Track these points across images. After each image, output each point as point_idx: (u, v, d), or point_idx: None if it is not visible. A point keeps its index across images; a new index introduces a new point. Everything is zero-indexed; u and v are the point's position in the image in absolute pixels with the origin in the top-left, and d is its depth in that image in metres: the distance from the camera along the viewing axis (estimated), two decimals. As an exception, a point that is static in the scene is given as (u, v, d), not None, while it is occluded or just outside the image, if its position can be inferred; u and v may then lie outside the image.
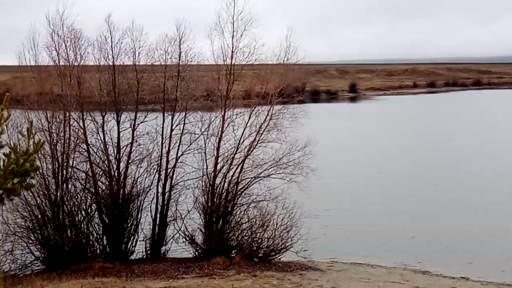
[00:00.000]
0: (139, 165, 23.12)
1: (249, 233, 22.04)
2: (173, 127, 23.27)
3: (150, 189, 23.30)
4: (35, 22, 22.29)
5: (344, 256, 22.78)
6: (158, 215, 23.08)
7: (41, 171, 19.71)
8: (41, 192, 21.10)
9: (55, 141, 21.55)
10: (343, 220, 27.89)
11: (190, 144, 23.41)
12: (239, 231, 22.38)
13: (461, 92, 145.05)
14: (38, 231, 21.49)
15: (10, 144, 16.76)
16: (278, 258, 21.64)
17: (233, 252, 21.91)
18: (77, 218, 22.21)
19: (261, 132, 22.76)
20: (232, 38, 22.86)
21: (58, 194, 21.57)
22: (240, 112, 23.68)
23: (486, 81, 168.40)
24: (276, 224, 21.58)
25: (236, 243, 22.24)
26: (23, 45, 22.47)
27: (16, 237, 21.41)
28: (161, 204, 23.17)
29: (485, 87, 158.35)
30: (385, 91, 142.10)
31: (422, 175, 39.99)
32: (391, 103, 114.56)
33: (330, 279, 18.75)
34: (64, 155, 21.82)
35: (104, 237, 22.60)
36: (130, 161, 22.85)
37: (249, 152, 22.69)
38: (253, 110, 23.42)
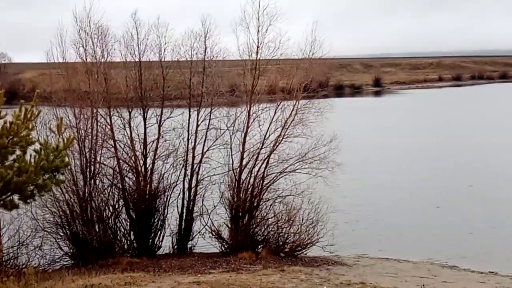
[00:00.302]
0: (166, 161, 23.25)
1: (275, 228, 22.01)
2: (199, 122, 23.35)
3: (176, 185, 23.38)
4: (62, 19, 22.52)
5: (371, 251, 22.77)
6: (184, 211, 23.23)
7: (69, 167, 19.87)
8: (70, 188, 21.25)
9: (83, 137, 21.70)
10: (369, 215, 27.86)
11: (216, 140, 23.44)
12: (265, 226, 22.39)
13: (487, 85, 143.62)
14: (67, 227, 21.63)
15: (41, 141, 16.97)
16: (304, 253, 21.62)
17: (259, 247, 21.93)
18: (104, 214, 22.34)
19: (287, 127, 22.72)
20: (258, 33, 22.82)
21: (86, 190, 21.74)
22: (266, 107, 23.68)
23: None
24: (302, 219, 21.54)
25: (262, 238, 22.27)
26: (51, 42, 22.73)
27: (45, 232, 21.57)
28: (187, 199, 23.29)
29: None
30: (409, 85, 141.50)
31: (450, 171, 39.64)
32: (416, 97, 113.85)
33: (357, 274, 18.72)
34: (92, 151, 21.99)
35: (132, 233, 22.79)
36: (156, 156, 22.94)
37: (275, 147, 22.68)
38: (278, 105, 23.36)
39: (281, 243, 21.68)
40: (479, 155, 45.68)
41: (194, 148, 23.30)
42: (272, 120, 23.02)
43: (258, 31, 22.80)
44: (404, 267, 20.93)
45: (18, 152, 16.50)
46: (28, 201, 17.56)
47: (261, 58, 23.21)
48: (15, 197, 16.64)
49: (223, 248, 22.60)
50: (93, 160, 22.07)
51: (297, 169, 22.55)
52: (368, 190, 32.55)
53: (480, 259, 21.86)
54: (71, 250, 21.79)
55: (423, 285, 14.25)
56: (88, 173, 21.90)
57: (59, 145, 17.35)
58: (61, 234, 21.82)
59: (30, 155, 16.72)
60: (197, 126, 23.33)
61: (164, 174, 23.18)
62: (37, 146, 16.95)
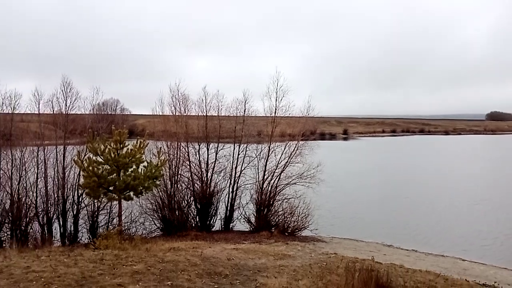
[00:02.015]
0: (219, 175, 23.35)
1: (283, 217, 21.91)
2: (239, 152, 23.52)
3: (224, 189, 23.48)
4: (162, 89, 23.14)
5: (340, 234, 22.47)
6: (229, 205, 23.25)
7: (163, 176, 20.16)
8: (162, 189, 21.51)
9: (171, 158, 22.02)
10: (340, 211, 27.58)
11: (249, 163, 23.61)
12: (277, 216, 22.28)
13: (411, 136, 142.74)
14: (159, 212, 21.91)
15: (147, 160, 17.30)
16: (300, 233, 21.46)
17: (272, 229, 21.76)
18: (182, 205, 22.48)
19: (291, 157, 22.83)
20: (275, 101, 23.19)
21: (172, 190, 21.97)
22: (279, 145, 23.71)
23: (427, 129, 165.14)
24: (299, 212, 21.46)
25: (274, 223, 22.15)
26: (155, 102, 23.32)
27: (146, 214, 21.85)
28: (230, 198, 23.32)
29: (426, 133, 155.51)
30: (365, 134, 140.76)
31: (392, 186, 39.36)
32: (368, 141, 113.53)
33: (331, 248, 18.55)
34: (176, 167, 22.24)
35: (197, 217, 22.85)
36: (213, 172, 23.08)
37: (284, 169, 22.79)
38: (286, 144, 23.48)
39: (286, 226, 21.54)
40: (409, 175, 45.31)
41: (235, 167, 23.40)
42: (282, 152, 23.12)
43: (276, 99, 23.19)
44: (360, 245, 20.69)
45: (134, 166, 16.94)
46: (138, 196, 17.98)
47: (277, 116, 23.42)
48: (131, 193, 17.01)
49: (251, 228, 22.53)
50: (176, 172, 22.28)
51: (297, 182, 22.58)
52: (340, 196, 32.32)
53: (406, 241, 21.51)
54: (161, 226, 21.94)
55: (373, 257, 14.09)
56: (173, 180, 22.11)
57: (158, 163, 17.74)
58: (156, 216, 22.04)
59: (141, 169, 17.14)
60: (238, 154, 23.48)
61: (217, 182, 23.28)
62: (145, 163, 17.39)
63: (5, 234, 19.11)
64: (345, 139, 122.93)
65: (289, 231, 21.42)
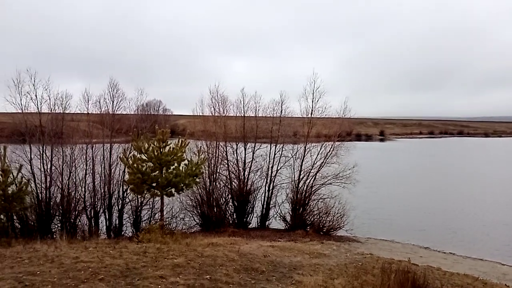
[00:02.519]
0: (255, 173, 23.37)
1: (318, 217, 21.70)
2: (275, 152, 23.48)
3: (261, 188, 23.47)
4: (202, 91, 23.45)
5: (375, 235, 22.05)
6: (265, 203, 23.24)
7: (202, 174, 20.38)
8: (201, 186, 21.72)
9: (210, 157, 22.22)
10: (375, 212, 27.01)
11: (285, 163, 23.50)
12: (312, 215, 22.10)
13: (449, 138, 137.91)
14: (198, 208, 22.14)
15: (188, 158, 17.54)
16: (335, 233, 21.20)
17: (307, 227, 21.66)
18: (220, 202, 22.62)
19: (327, 157, 22.57)
20: (312, 102, 22.96)
21: (210, 187, 22.15)
22: (314, 145, 23.47)
23: (466, 131, 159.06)
24: (334, 212, 21.22)
25: (310, 222, 21.99)
26: (196, 103, 23.65)
27: (186, 210, 22.13)
28: (267, 196, 23.29)
29: (465, 135, 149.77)
30: (401, 135, 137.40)
31: (435, 189, 38.10)
32: (404, 142, 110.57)
33: (366, 248, 18.22)
34: (215, 166, 22.43)
35: (234, 214, 22.93)
36: (250, 170, 23.14)
37: (319, 169, 22.56)
38: (322, 145, 23.23)
39: (321, 226, 21.32)
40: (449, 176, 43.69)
41: (272, 167, 23.36)
42: (318, 153, 22.90)
43: (312, 101, 22.94)
44: (396, 246, 20.19)
45: (175, 164, 17.23)
46: (179, 192, 18.26)
47: (313, 117, 23.22)
48: (172, 190, 17.33)
49: (286, 227, 22.44)
50: (215, 171, 22.46)
51: (332, 183, 22.31)
52: (376, 197, 31.65)
53: (443, 244, 20.79)
54: (200, 222, 22.17)
55: (409, 259, 13.68)
56: (212, 178, 22.28)
57: (198, 161, 17.98)
58: (195, 212, 22.31)
59: (182, 167, 17.44)
60: (274, 154, 23.43)
61: (254, 181, 23.31)
62: (186, 162, 17.67)
63: (56, 226, 19.89)
64: (381, 140, 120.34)
65: (324, 230, 21.19)
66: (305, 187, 22.56)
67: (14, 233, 17.17)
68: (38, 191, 19.43)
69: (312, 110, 23.04)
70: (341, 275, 10.51)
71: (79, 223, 20.35)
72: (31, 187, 18.16)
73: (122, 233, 20.70)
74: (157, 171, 16.76)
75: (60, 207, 19.79)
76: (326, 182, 22.36)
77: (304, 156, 22.93)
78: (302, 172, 22.81)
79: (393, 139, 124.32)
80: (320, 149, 22.99)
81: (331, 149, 22.61)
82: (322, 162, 22.52)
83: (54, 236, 18.62)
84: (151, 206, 21.31)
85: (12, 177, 15.93)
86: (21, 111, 19.55)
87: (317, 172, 22.54)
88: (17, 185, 16.08)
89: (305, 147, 23.06)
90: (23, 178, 16.73)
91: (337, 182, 22.16)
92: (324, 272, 10.74)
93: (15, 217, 18.16)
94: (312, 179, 22.57)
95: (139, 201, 21.07)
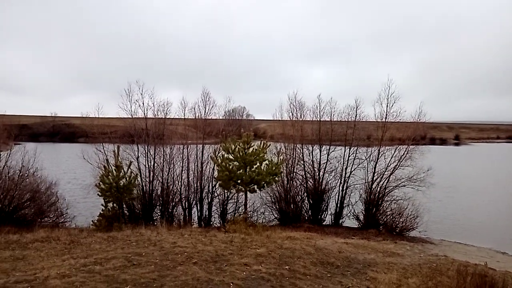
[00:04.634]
0: (330, 174, 22.92)
1: (391, 217, 20.68)
2: (349, 154, 22.87)
3: (335, 187, 22.98)
4: (281, 98, 23.61)
5: (450, 237, 20.47)
6: (339, 202, 22.75)
7: (281, 173, 20.43)
8: (280, 184, 21.77)
9: (288, 158, 22.27)
10: (449, 215, 25.10)
11: (358, 165, 22.74)
12: (385, 215, 21.12)
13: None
14: (277, 204, 22.24)
15: (268, 159, 17.68)
16: (408, 234, 20.09)
17: (380, 227, 20.76)
18: (296, 199, 22.54)
19: (401, 160, 21.45)
20: (386, 107, 21.94)
21: (288, 185, 22.14)
22: (388, 149, 22.48)
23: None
24: (408, 214, 20.11)
25: (383, 222, 21.05)
26: (275, 109, 23.94)
27: (266, 205, 22.32)
28: (340, 196, 22.77)
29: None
30: (478, 140, 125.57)
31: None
32: (480, 146, 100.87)
33: (440, 250, 16.99)
34: (292, 166, 22.44)
35: (310, 211, 22.72)
36: (325, 171, 22.77)
37: (393, 171, 21.49)
38: (396, 148, 22.14)
39: (394, 226, 20.34)
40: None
41: (346, 168, 22.79)
42: (392, 156, 21.88)
43: (387, 105, 21.90)
44: (471, 250, 18.57)
45: (258, 164, 17.61)
46: (261, 189, 18.62)
47: (387, 121, 22.24)
48: (255, 186, 17.72)
49: (359, 225, 21.81)
50: (292, 170, 22.43)
51: (406, 185, 21.16)
52: (452, 200, 29.33)
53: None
54: (278, 216, 22.24)
55: (486, 262, 12.48)
56: (289, 177, 22.27)
57: (277, 162, 18.19)
58: (274, 207, 22.41)
59: (263, 166, 17.75)
60: (348, 156, 22.83)
61: (328, 181, 22.86)
62: (267, 162, 17.96)
63: (157, 214, 21.39)
64: (456, 144, 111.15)
65: (397, 230, 20.15)
66: (378, 189, 21.63)
67: (124, 219, 18.77)
68: (143, 184, 21.00)
69: (386, 115, 22.04)
70: (415, 274, 9.93)
71: (176, 212, 21.53)
72: (137, 180, 19.69)
73: (211, 223, 21.58)
74: (242, 170, 17.28)
75: (161, 198, 21.18)
76: (399, 184, 21.26)
77: (378, 159, 22.03)
78: (375, 174, 21.91)
79: (468, 143, 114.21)
80: (394, 152, 21.92)
81: (405, 152, 21.44)
82: (396, 165, 21.44)
83: (156, 223, 19.92)
84: (235, 200, 21.83)
85: (123, 172, 17.47)
86: (131, 117, 21.45)
87: (391, 174, 21.49)
88: (127, 178, 17.56)
89: (379, 150, 22.14)
90: (132, 173, 18.19)
91: (411, 184, 20.96)
92: (398, 270, 10.23)
93: (124, 206, 19.83)
94: (386, 181, 21.56)
95: (226, 195, 21.73)
